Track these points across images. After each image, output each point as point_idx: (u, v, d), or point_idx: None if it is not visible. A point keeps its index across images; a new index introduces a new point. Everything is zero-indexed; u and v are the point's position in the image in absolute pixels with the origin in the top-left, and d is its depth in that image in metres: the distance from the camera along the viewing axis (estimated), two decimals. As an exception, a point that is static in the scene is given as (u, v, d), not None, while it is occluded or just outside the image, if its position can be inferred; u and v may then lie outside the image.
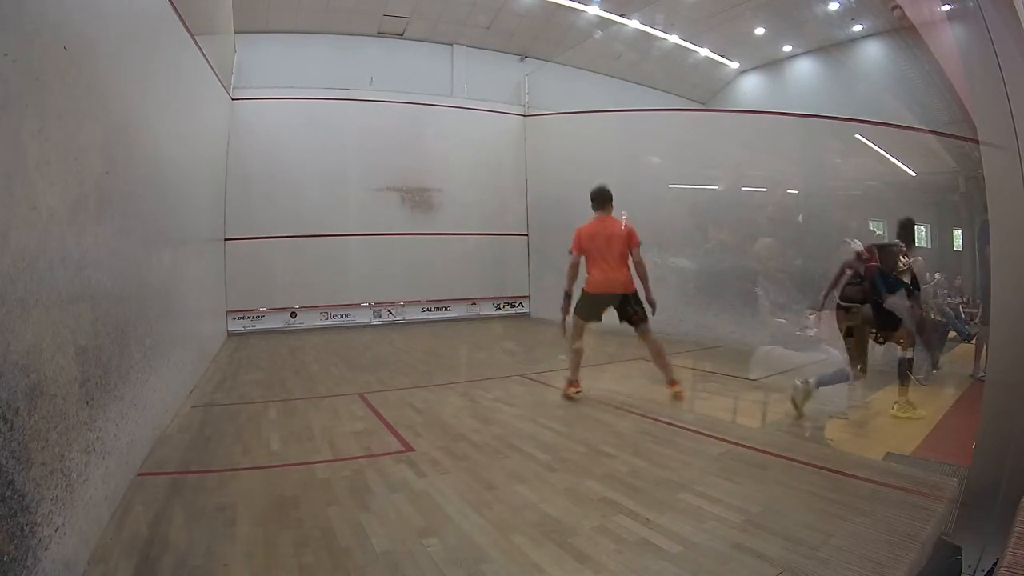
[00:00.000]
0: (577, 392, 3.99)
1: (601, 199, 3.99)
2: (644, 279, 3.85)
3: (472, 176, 9.62)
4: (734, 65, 11.29)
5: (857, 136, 5.91)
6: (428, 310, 9.35)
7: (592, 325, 3.99)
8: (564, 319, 4.01)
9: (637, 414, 3.59)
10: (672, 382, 3.87)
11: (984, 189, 1.87)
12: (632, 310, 3.82)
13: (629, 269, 3.87)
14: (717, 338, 6.51)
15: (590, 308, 3.95)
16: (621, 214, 4.00)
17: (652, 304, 3.81)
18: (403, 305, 9.15)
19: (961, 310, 5.00)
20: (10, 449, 1.33)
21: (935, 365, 4.51)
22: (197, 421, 3.56)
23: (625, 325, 3.88)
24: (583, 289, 3.96)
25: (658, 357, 3.88)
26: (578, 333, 4.00)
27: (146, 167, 3.06)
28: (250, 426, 3.49)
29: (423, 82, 9.70)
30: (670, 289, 6.77)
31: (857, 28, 9.05)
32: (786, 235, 6.30)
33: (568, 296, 3.98)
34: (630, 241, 3.85)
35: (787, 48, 10.44)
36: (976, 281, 5.10)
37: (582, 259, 3.96)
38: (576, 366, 4.00)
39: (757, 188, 7.12)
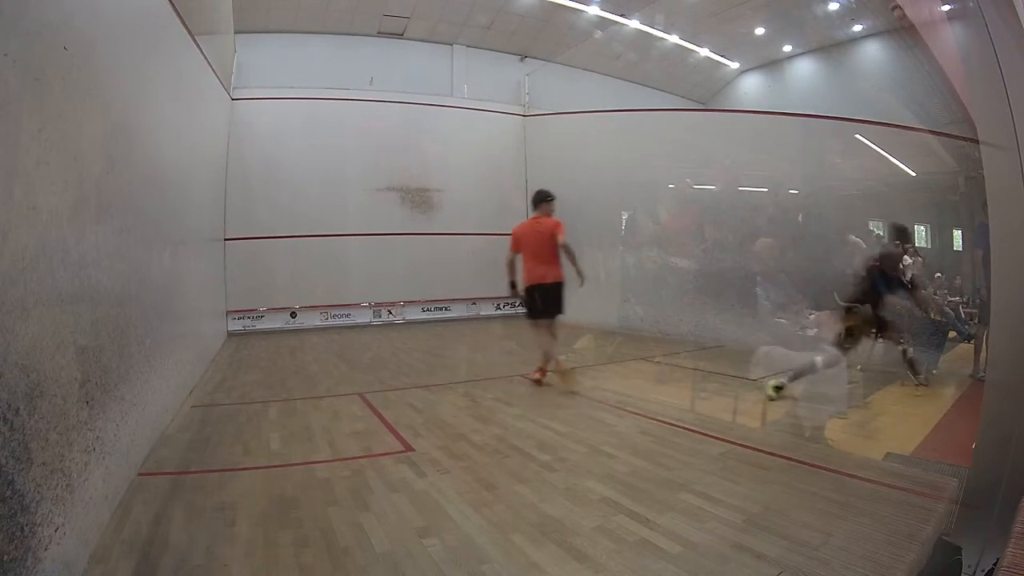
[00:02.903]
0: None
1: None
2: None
3: (472, 176, 9.61)
4: (734, 65, 11.28)
5: (857, 136, 5.90)
6: (428, 310, 9.35)
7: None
8: None
9: (637, 414, 3.59)
10: (540, 371, 4.32)
11: (984, 189, 1.87)
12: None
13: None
14: (717, 338, 6.51)
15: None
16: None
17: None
18: (403, 305, 9.15)
19: (961, 310, 5.00)
20: (10, 449, 1.33)
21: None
22: (197, 421, 3.56)
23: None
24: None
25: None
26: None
27: (146, 167, 3.05)
28: (250, 426, 3.49)
29: (423, 82, 9.69)
30: (670, 289, 6.77)
31: (857, 28, 9.04)
32: (786, 235, 6.30)
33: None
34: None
35: (787, 48, 10.43)
36: (975, 281, 5.09)
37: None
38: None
39: (757, 188, 7.12)
